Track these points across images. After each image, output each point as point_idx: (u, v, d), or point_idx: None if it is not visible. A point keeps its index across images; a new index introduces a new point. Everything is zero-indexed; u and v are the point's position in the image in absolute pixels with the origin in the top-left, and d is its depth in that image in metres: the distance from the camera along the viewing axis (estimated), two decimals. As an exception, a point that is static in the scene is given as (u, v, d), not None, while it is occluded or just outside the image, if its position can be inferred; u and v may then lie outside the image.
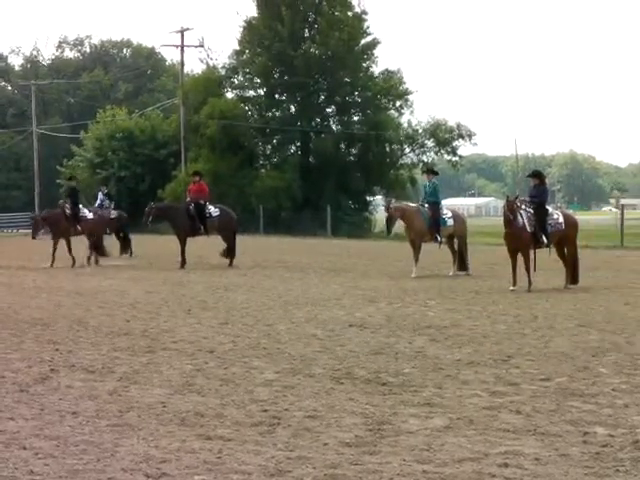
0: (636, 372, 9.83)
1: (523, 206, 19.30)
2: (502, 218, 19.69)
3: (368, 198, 60.00)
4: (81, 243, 27.90)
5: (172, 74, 78.87)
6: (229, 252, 26.66)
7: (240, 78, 61.14)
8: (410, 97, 59.03)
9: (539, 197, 19.65)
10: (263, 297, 17.91)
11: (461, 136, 58.48)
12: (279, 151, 60.71)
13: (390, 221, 23.24)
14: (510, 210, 18.99)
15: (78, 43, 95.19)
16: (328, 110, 60.32)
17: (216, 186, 41.07)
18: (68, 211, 27.14)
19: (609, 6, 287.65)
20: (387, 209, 23.50)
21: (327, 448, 7.00)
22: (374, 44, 58.66)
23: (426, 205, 23.23)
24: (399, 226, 24.36)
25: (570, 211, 47.78)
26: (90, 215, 27.83)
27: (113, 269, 25.98)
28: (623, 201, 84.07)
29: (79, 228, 27.13)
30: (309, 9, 57.81)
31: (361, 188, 57.84)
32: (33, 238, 27.76)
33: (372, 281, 21.40)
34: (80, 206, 27.82)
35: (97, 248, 27.78)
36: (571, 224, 20.03)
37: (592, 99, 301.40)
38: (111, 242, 32.64)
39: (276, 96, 60.34)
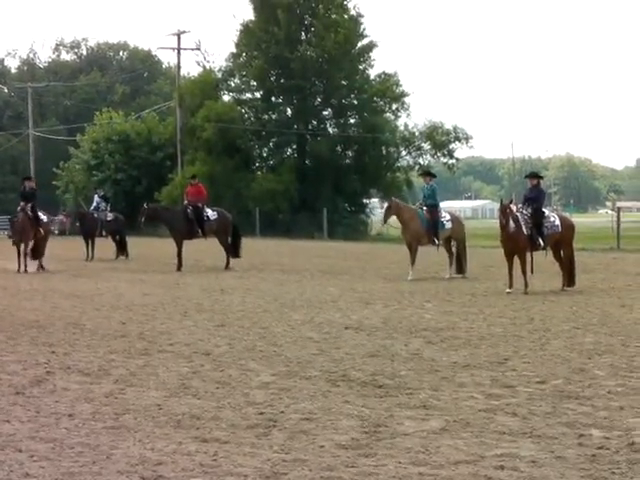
0: (631, 374, 9.84)
1: (519, 209, 19.30)
2: (498, 221, 19.73)
3: (364, 201, 60.02)
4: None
5: (169, 77, 78.91)
6: (229, 254, 26.59)
7: (237, 81, 61.23)
8: (406, 100, 59.14)
9: (535, 199, 19.66)
10: (259, 299, 17.90)
11: (457, 139, 58.51)
12: (275, 154, 60.67)
13: (386, 212, 23.84)
14: (504, 214, 19.00)
15: (75, 46, 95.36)
16: (324, 113, 60.33)
17: (213, 189, 41.02)
18: (30, 214, 26.40)
19: (606, 9, 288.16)
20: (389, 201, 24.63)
21: (323, 450, 7.00)
22: (370, 47, 58.71)
23: (424, 208, 23.25)
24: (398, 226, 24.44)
25: (566, 214, 47.81)
26: (45, 218, 27.10)
27: (109, 271, 25.96)
28: (619, 204, 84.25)
29: (42, 231, 26.30)
30: (305, 12, 57.86)
31: (357, 191, 57.85)
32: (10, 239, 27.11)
33: (368, 283, 21.40)
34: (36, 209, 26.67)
35: (32, 251, 26.42)
36: (567, 226, 20.05)
37: (588, 102, 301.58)
38: (108, 244, 32.75)
39: (272, 99, 60.34)
